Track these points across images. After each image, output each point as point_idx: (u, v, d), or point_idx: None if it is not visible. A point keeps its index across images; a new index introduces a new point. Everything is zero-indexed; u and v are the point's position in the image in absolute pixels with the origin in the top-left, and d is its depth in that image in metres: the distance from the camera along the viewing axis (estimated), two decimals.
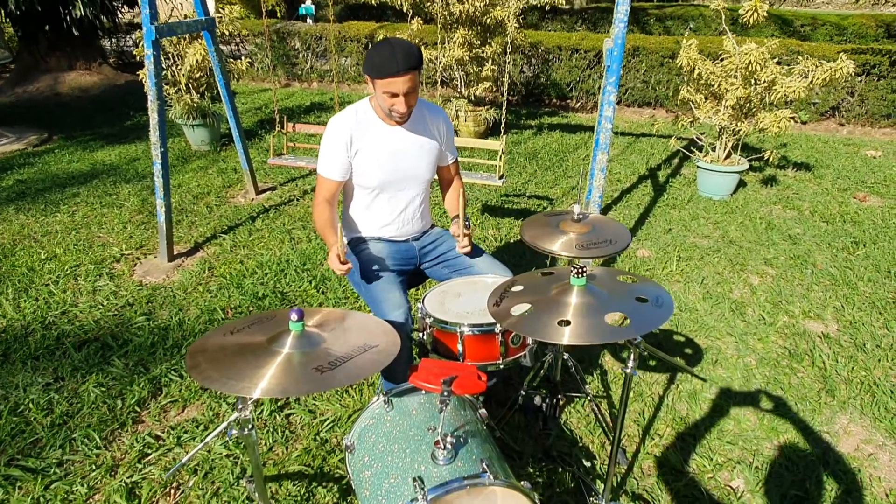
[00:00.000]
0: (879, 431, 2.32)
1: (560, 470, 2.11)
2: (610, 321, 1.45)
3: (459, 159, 2.53)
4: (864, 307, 3.18)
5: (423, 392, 1.65)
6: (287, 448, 2.22)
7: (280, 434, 2.27)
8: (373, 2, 5.94)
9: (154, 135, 3.42)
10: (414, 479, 1.32)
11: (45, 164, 5.51)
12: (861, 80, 6.69)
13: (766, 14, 4.27)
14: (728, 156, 4.74)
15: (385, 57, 1.88)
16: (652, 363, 2.69)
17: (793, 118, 4.43)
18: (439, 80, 5.30)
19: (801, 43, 7.06)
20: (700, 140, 5.00)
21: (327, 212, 2.13)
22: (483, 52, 6.12)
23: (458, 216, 2.28)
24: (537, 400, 2.35)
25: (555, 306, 1.51)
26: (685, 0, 13.57)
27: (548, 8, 6.14)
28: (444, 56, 5.94)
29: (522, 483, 1.38)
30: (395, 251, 2.24)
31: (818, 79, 4.26)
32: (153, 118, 3.38)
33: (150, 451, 2.20)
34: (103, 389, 2.50)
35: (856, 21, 8.94)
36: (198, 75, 5.68)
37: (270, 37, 9.15)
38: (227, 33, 5.98)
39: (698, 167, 4.79)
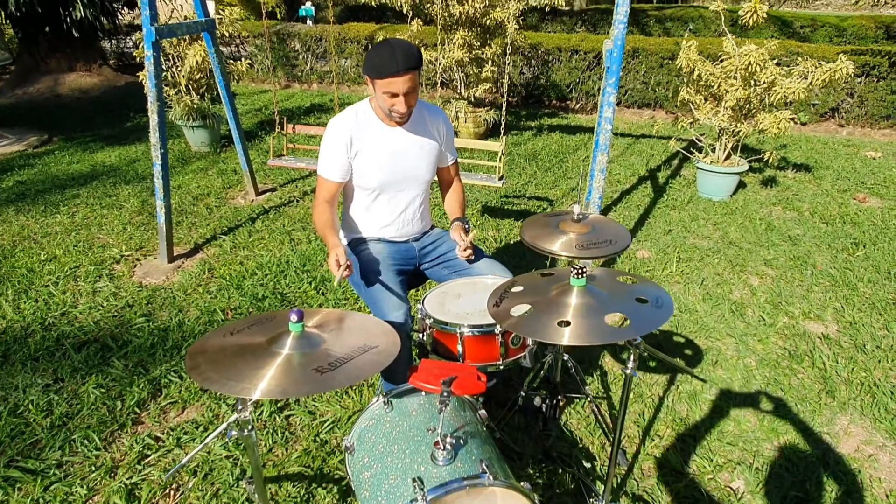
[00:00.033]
0: (879, 432, 2.32)
1: (560, 471, 2.11)
2: (610, 322, 1.45)
3: (459, 160, 2.53)
4: (864, 308, 3.18)
5: (423, 393, 1.65)
6: (287, 449, 2.22)
7: (280, 435, 2.27)
8: (373, 3, 5.95)
9: (154, 136, 3.42)
10: (413, 480, 1.32)
11: (45, 165, 5.52)
12: (861, 82, 6.69)
13: (765, 15, 4.27)
14: (728, 157, 4.74)
15: (385, 57, 1.89)
16: (652, 364, 2.69)
17: (792, 119, 4.43)
18: (439, 82, 5.30)
19: (800, 44, 7.07)
20: (700, 141, 5.00)
21: (327, 213, 2.13)
22: (483, 54, 6.13)
23: (458, 219, 2.28)
24: (537, 401, 2.35)
25: (555, 307, 1.51)
26: (685, 1, 13.58)
27: (547, 9, 6.15)
28: (443, 57, 5.94)
29: (522, 484, 1.38)
30: (394, 252, 2.24)
31: (818, 80, 4.26)
32: (153, 119, 3.38)
33: (149, 453, 2.19)
34: (103, 391, 2.50)
35: (855, 22, 8.94)
36: (198, 77, 5.68)
37: (270, 38, 9.16)
38: (227, 35, 5.99)
39: (698, 168, 4.79)
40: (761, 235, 4.09)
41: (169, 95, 5.62)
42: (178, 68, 5.62)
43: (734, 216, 4.42)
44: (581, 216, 2.08)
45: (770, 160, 4.73)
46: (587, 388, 2.40)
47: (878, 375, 2.64)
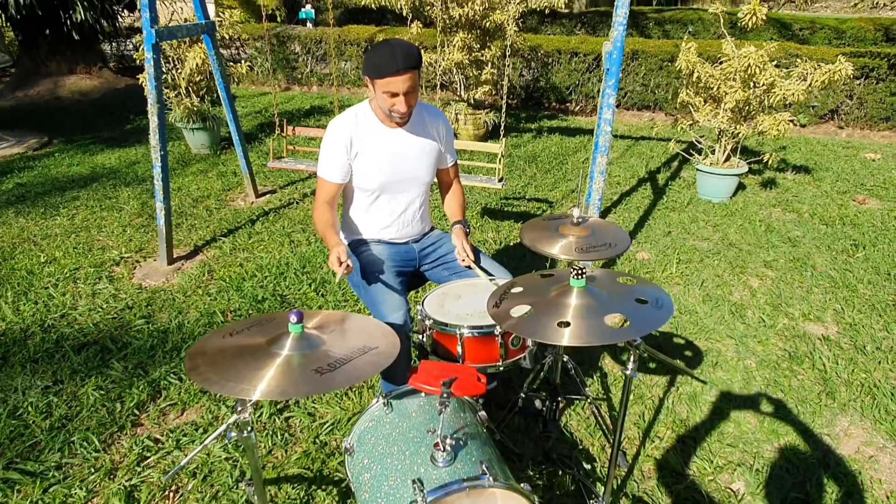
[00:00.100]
0: (880, 434, 2.32)
1: (560, 472, 2.10)
2: (610, 323, 1.45)
3: (459, 162, 2.53)
4: (863, 309, 3.18)
5: (423, 394, 1.65)
6: (286, 451, 2.21)
7: (279, 437, 2.27)
8: (372, 6, 5.96)
9: (154, 138, 3.42)
10: (413, 481, 1.31)
11: (45, 167, 5.52)
12: (860, 84, 6.70)
13: (764, 18, 4.27)
14: (727, 158, 4.74)
15: (385, 57, 1.89)
16: (652, 365, 2.69)
17: (792, 121, 4.43)
18: (439, 84, 5.31)
19: (799, 46, 7.08)
20: (699, 143, 5.01)
21: (328, 214, 2.13)
22: (482, 56, 6.14)
23: (458, 222, 2.28)
24: (537, 403, 2.35)
25: (554, 308, 1.51)
26: (684, 4, 13.61)
27: (547, 12, 6.16)
28: (443, 59, 5.95)
29: (522, 485, 1.37)
30: (394, 253, 2.24)
31: (817, 81, 4.27)
32: (153, 121, 3.38)
33: (149, 455, 2.19)
34: (102, 392, 2.50)
35: (854, 25, 8.96)
36: (198, 79, 5.69)
37: (270, 41, 9.17)
38: (227, 37, 5.99)
39: (697, 170, 4.79)
40: (761, 237, 4.09)
41: (169, 98, 5.63)
42: (179, 71, 5.63)
43: (734, 218, 4.42)
44: (580, 219, 2.08)
45: (769, 162, 4.74)
46: (587, 389, 2.40)
47: (878, 377, 2.64)
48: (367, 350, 1.40)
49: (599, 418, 2.34)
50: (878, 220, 4.37)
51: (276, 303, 3.20)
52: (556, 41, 7.86)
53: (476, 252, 2.25)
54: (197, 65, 5.50)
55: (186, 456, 2.10)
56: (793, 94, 4.27)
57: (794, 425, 2.35)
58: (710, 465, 2.15)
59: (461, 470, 1.36)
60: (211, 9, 9.67)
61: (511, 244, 3.93)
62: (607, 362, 2.73)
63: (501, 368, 1.89)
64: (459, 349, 1.85)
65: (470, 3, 5.57)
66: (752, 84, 4.42)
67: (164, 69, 5.56)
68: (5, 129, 6.80)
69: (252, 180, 4.70)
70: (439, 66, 5.99)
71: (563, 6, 5.78)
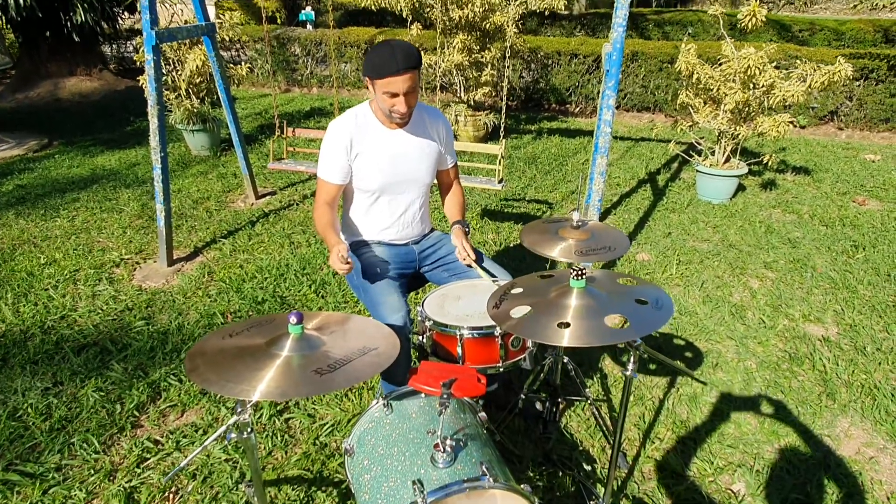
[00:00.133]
0: (880, 435, 2.32)
1: (560, 474, 2.10)
2: (610, 323, 1.45)
3: (459, 164, 2.53)
4: (864, 310, 3.18)
5: (423, 395, 1.65)
6: (286, 452, 2.21)
7: (279, 438, 2.27)
8: (372, 7, 5.96)
9: (154, 139, 3.42)
10: (413, 482, 1.31)
11: (45, 169, 5.52)
12: (859, 85, 6.71)
13: (764, 19, 4.28)
14: (727, 160, 4.74)
15: (385, 57, 1.89)
16: (652, 367, 2.69)
17: (791, 122, 4.44)
18: (439, 85, 5.32)
19: (799, 48, 7.09)
20: (699, 144, 5.01)
21: (328, 214, 2.13)
22: (482, 58, 6.14)
23: (458, 222, 2.28)
24: (537, 404, 2.35)
25: (554, 308, 1.51)
26: (683, 6, 13.63)
27: (547, 13, 6.17)
28: (443, 61, 5.96)
29: (522, 486, 1.37)
30: (394, 255, 2.24)
31: (816, 82, 4.27)
32: (153, 123, 3.39)
33: (148, 456, 2.19)
34: (102, 394, 2.50)
35: (854, 26, 8.97)
36: (198, 81, 5.70)
37: (270, 42, 9.18)
38: (227, 39, 6.00)
39: (697, 171, 4.79)
40: (761, 238, 4.09)
41: (169, 99, 5.63)
42: (179, 72, 5.63)
43: (734, 219, 4.42)
44: (580, 223, 2.08)
45: (769, 163, 4.74)
46: (587, 390, 2.40)
47: (878, 378, 2.64)
48: (367, 351, 1.40)
49: (599, 419, 2.34)
50: (877, 222, 4.37)
51: (276, 304, 3.20)
52: (555, 43, 7.86)
53: (478, 254, 2.25)
54: (197, 66, 5.51)
55: (186, 457, 2.10)
56: (792, 95, 4.27)
57: (794, 426, 2.35)
58: (711, 467, 2.15)
59: (461, 471, 1.36)
60: (211, 11, 9.67)
61: (511, 246, 3.93)
62: (607, 363, 2.73)
63: (501, 369, 1.89)
64: (459, 350, 1.85)
65: (470, 5, 5.58)
66: (751, 85, 4.42)
67: (164, 71, 5.56)
68: (5, 131, 6.80)
69: (252, 182, 4.71)
70: (439, 67, 6.00)
71: (563, 8, 5.79)
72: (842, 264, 3.70)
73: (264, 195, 4.88)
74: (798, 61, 4.56)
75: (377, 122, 2.13)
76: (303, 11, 11.86)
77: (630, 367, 1.57)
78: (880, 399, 2.49)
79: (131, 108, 7.97)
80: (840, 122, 6.98)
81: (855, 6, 12.71)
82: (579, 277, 1.53)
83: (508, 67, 4.19)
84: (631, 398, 2.50)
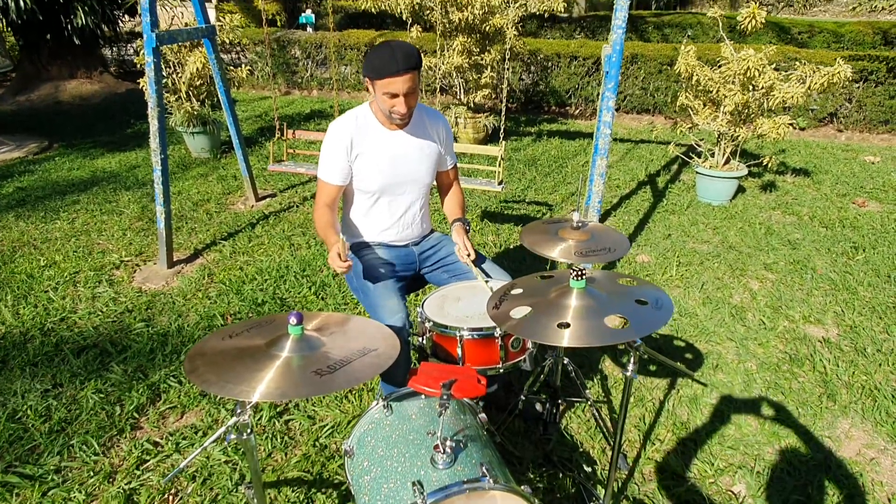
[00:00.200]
0: (881, 436, 2.31)
1: (560, 475, 2.10)
2: (610, 324, 1.45)
3: (459, 165, 2.54)
4: (864, 312, 3.18)
5: (423, 396, 1.65)
6: (286, 454, 2.21)
7: (279, 440, 2.26)
8: (372, 10, 5.97)
9: (154, 142, 3.43)
10: (413, 484, 1.31)
11: (46, 171, 5.53)
12: (859, 87, 6.72)
13: (763, 21, 4.29)
14: (727, 161, 4.75)
15: (385, 58, 1.89)
16: (652, 368, 2.69)
17: (791, 124, 4.44)
18: (438, 88, 5.32)
19: (798, 50, 7.10)
20: (699, 146, 5.01)
21: (328, 215, 2.13)
22: (482, 60, 6.15)
23: (458, 219, 2.28)
24: (537, 405, 2.35)
25: (554, 309, 1.51)
26: (683, 8, 13.66)
27: (546, 16, 6.17)
28: (443, 63, 5.97)
29: (523, 487, 1.37)
30: (394, 256, 2.24)
31: (816, 84, 4.27)
32: (153, 125, 3.39)
33: (148, 458, 2.18)
34: (102, 396, 2.49)
35: (853, 28, 8.99)
36: (198, 83, 5.70)
37: (271, 45, 9.20)
38: (227, 42, 6.01)
39: (697, 173, 4.80)
40: (761, 240, 4.09)
41: (169, 102, 5.64)
42: (179, 75, 5.64)
43: (734, 220, 4.42)
44: (580, 224, 2.08)
45: (769, 165, 4.74)
46: (587, 392, 2.40)
47: (878, 379, 2.63)
48: (367, 352, 1.40)
49: (600, 421, 2.33)
50: (877, 223, 4.37)
51: (275, 306, 3.20)
52: (555, 45, 7.87)
53: (479, 256, 2.25)
54: (197, 69, 5.52)
55: (186, 459, 2.10)
56: (792, 96, 4.27)
57: (794, 428, 2.35)
58: (711, 468, 2.14)
59: (461, 472, 1.36)
60: (211, 13, 9.69)
61: (511, 247, 3.93)
62: (607, 365, 2.73)
63: (501, 370, 1.89)
64: (459, 351, 1.85)
65: (469, 8, 5.59)
66: (751, 87, 4.43)
67: (164, 73, 5.57)
68: (6, 134, 6.81)
69: (252, 184, 4.71)
70: (439, 70, 6.01)
71: (563, 10, 5.80)
72: (842, 266, 3.70)
73: (264, 197, 4.88)
74: (797, 63, 4.57)
75: (377, 123, 2.13)
76: (303, 14, 11.89)
77: (630, 367, 1.57)
78: (881, 400, 2.49)
79: (131, 111, 7.98)
80: (839, 124, 6.99)
81: (854, 8, 12.74)
82: (579, 278, 1.53)
83: (508, 70, 4.20)
84: (631, 399, 2.49)
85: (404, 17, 5.87)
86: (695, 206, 4.72)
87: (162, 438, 2.28)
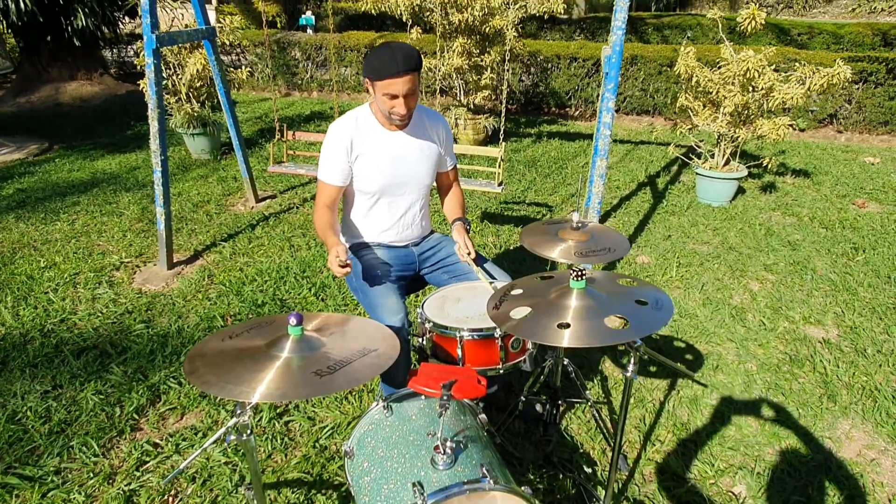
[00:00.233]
0: (881, 437, 2.31)
1: (561, 476, 2.09)
2: (610, 325, 1.45)
3: (459, 167, 2.54)
4: (864, 312, 3.18)
5: (423, 397, 1.65)
6: (286, 455, 2.21)
7: (279, 441, 2.26)
8: (372, 12, 5.98)
9: (154, 143, 3.43)
10: (413, 485, 1.31)
11: (46, 173, 5.53)
12: (858, 88, 6.72)
13: (763, 23, 4.29)
14: (727, 163, 4.75)
15: (385, 59, 1.89)
16: (653, 369, 2.69)
17: (791, 125, 4.44)
18: (438, 89, 5.33)
19: (798, 51, 7.10)
20: (699, 147, 5.02)
21: (328, 216, 2.13)
22: (482, 61, 6.16)
23: (458, 219, 2.28)
24: (538, 406, 2.34)
25: (554, 309, 1.51)
26: (682, 9, 13.67)
27: (546, 17, 6.18)
28: (443, 65, 5.97)
29: (523, 488, 1.37)
30: (394, 257, 2.24)
31: (815, 85, 4.28)
32: (153, 126, 3.39)
33: (148, 459, 2.18)
34: (102, 397, 2.49)
35: (852, 30, 8.99)
36: (198, 85, 5.71)
37: (271, 47, 9.21)
38: (227, 43, 6.02)
39: (697, 174, 4.80)
40: (761, 241, 4.09)
41: (169, 103, 5.64)
42: (179, 76, 5.65)
43: (734, 221, 4.42)
44: (580, 224, 2.08)
45: (769, 166, 4.74)
46: (588, 392, 2.40)
47: (879, 380, 2.63)
48: (367, 352, 1.40)
49: (600, 422, 2.33)
50: (877, 224, 4.37)
51: (275, 307, 3.20)
52: (555, 46, 7.88)
53: (479, 257, 2.25)
54: (197, 70, 5.52)
55: (185, 460, 2.09)
56: (791, 97, 4.28)
57: (795, 429, 2.35)
58: (712, 469, 2.14)
59: (461, 473, 1.36)
60: (211, 15, 9.71)
61: (511, 248, 3.93)
62: (608, 366, 2.73)
63: (501, 371, 1.89)
64: (459, 352, 1.85)
65: (469, 9, 5.60)
66: (750, 88, 4.43)
67: (164, 75, 5.58)
68: (6, 135, 6.82)
69: (252, 185, 4.71)
70: (439, 71, 6.01)
71: (562, 12, 5.80)
72: (842, 266, 3.70)
73: (264, 198, 4.88)
74: (797, 64, 4.57)
75: (377, 124, 2.14)
76: (303, 16, 11.89)
77: (630, 368, 1.57)
78: (881, 401, 2.49)
79: (132, 112, 7.99)
80: (839, 125, 6.99)
81: (853, 10, 12.76)
82: (579, 278, 1.53)
83: (508, 71, 4.20)
84: (631, 400, 2.49)
85: (404, 19, 5.88)
86: (695, 207, 4.72)
87: (162, 440, 2.28)
